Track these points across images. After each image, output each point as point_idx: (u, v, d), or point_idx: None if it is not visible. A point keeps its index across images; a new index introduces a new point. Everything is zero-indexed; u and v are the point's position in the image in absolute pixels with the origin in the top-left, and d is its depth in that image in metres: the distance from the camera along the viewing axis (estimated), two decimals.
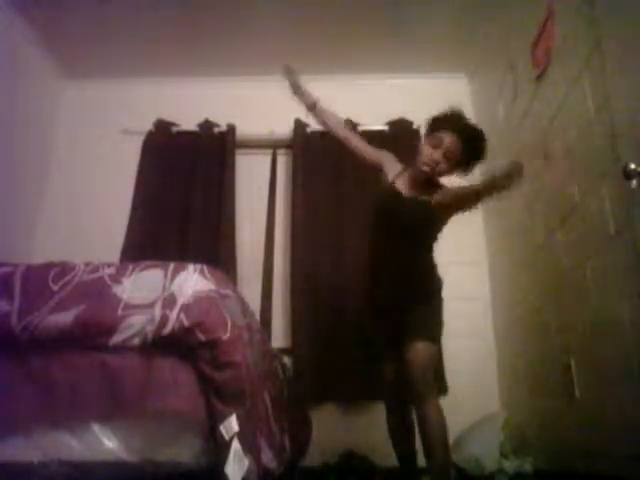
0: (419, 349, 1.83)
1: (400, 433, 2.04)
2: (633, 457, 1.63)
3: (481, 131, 1.96)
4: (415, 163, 1.96)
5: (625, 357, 1.68)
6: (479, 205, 1.82)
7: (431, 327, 1.90)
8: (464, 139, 1.89)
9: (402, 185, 2.01)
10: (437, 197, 1.90)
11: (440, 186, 1.97)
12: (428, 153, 1.90)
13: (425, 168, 1.91)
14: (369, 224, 2.08)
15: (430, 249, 2.01)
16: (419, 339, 1.84)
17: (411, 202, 1.95)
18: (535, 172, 2.40)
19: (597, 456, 1.85)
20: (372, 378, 2.68)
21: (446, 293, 3.04)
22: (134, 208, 3.18)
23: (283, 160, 3.39)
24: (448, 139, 1.88)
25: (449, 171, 1.95)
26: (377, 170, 2.11)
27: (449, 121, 1.92)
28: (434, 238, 2.00)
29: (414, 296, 1.94)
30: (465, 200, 1.83)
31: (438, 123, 1.94)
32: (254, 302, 2.91)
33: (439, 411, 1.80)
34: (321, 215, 3.14)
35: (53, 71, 3.41)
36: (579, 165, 2.01)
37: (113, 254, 2.96)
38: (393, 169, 2.07)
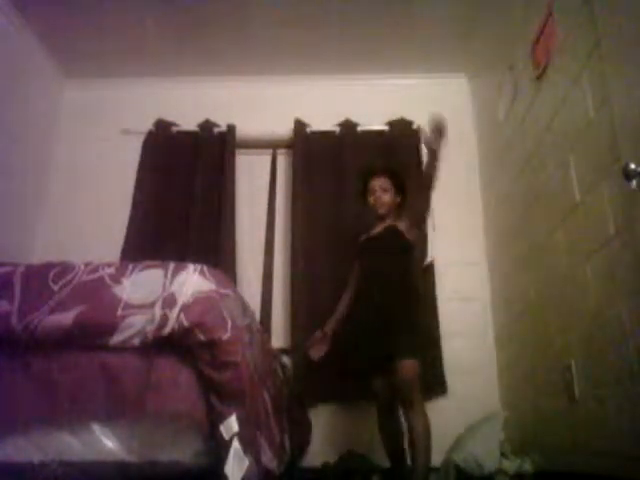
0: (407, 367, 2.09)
1: (389, 433, 2.28)
2: (633, 457, 1.63)
3: (387, 162, 2.84)
4: (372, 214, 2.48)
5: (625, 357, 1.68)
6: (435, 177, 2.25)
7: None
8: (382, 172, 2.47)
9: (375, 231, 2.45)
10: (404, 224, 2.36)
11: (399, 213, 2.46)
12: (373, 201, 2.44)
13: (381, 211, 2.42)
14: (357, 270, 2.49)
15: (408, 264, 2.38)
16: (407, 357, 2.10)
17: (384, 231, 2.40)
18: (534, 173, 2.40)
19: (597, 456, 1.85)
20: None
21: (446, 293, 3.05)
22: (134, 208, 3.17)
23: (283, 160, 3.38)
24: (376, 182, 2.44)
25: (393, 196, 2.44)
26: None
27: (368, 173, 2.50)
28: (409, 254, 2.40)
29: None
30: (423, 187, 2.31)
31: (364, 179, 2.50)
32: (254, 302, 2.91)
33: (425, 417, 2.08)
34: (321, 215, 3.13)
35: (53, 71, 3.41)
36: (579, 165, 2.01)
37: (113, 254, 2.95)
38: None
